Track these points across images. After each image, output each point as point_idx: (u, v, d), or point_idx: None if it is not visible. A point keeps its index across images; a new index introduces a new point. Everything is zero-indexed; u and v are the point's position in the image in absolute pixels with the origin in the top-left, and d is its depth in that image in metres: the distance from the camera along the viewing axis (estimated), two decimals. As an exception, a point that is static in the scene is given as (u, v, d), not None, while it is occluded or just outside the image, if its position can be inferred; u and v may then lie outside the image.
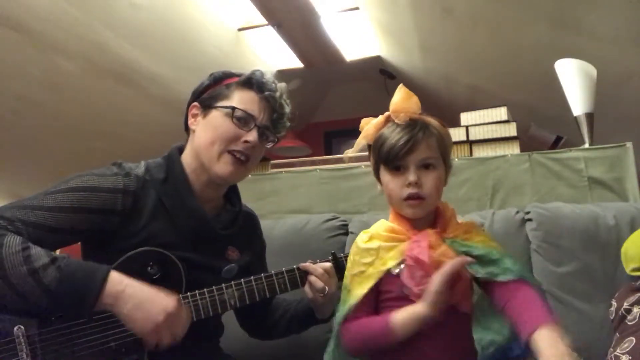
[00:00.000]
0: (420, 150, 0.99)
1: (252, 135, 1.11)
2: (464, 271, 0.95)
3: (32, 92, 2.73)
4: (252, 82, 1.14)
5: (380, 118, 1.06)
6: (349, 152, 1.12)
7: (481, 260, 0.97)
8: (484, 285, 0.99)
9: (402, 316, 0.93)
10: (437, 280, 0.91)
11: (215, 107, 1.13)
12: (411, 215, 1.01)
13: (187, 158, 1.15)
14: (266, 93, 1.14)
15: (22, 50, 2.45)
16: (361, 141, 1.08)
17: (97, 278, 0.92)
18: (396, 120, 1.02)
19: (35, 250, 0.91)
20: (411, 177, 0.98)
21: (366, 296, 0.97)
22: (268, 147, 1.20)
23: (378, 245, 1.00)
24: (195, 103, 1.16)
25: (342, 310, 0.99)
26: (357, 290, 0.98)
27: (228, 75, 1.17)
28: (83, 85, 2.85)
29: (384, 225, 1.05)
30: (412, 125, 1.01)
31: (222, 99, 1.13)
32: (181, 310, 0.97)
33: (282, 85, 1.19)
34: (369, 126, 1.06)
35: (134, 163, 1.13)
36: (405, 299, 0.96)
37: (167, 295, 0.96)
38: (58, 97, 2.85)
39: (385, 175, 1.03)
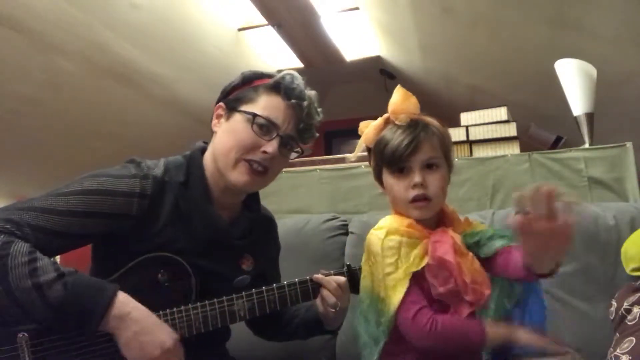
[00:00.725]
0: (423, 151, 0.98)
1: (271, 146, 1.03)
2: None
3: (32, 92, 2.73)
4: (280, 87, 1.06)
5: (380, 120, 1.04)
6: (351, 156, 1.10)
7: (492, 238, 0.99)
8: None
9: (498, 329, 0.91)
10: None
11: (239, 111, 1.05)
12: (418, 217, 1.00)
13: (207, 160, 1.09)
14: (293, 101, 1.06)
15: (22, 50, 2.45)
16: (362, 144, 1.06)
17: (101, 302, 0.87)
18: (396, 122, 1.01)
19: (42, 262, 0.86)
20: (416, 178, 0.97)
21: (413, 290, 0.94)
22: (292, 158, 1.12)
23: (399, 242, 0.96)
24: (221, 103, 1.10)
25: (385, 321, 0.95)
26: (395, 296, 0.93)
27: (258, 76, 1.10)
28: (83, 85, 2.85)
29: (399, 220, 1.01)
30: (414, 126, 0.99)
31: (247, 102, 1.06)
32: (178, 348, 0.94)
33: (312, 93, 1.10)
34: (368, 129, 1.05)
35: (152, 161, 1.07)
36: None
37: (167, 330, 0.93)
38: (58, 97, 2.86)
39: (388, 179, 1.01)
